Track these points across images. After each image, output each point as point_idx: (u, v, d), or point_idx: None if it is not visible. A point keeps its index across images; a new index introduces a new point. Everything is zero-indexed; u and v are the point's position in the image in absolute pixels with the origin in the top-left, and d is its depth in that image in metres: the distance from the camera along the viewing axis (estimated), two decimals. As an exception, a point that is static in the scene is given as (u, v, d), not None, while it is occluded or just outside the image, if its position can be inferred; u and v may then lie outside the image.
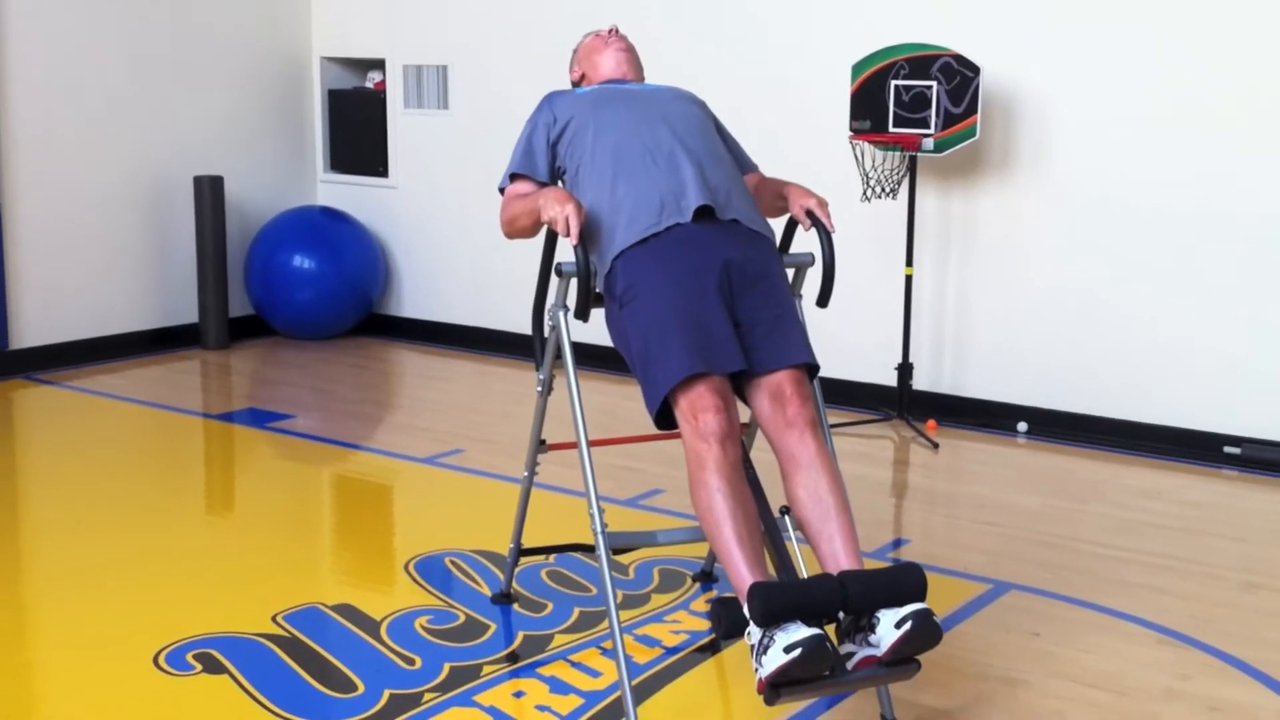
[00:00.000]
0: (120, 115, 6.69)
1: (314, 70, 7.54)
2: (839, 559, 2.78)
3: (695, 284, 2.94)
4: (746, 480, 2.91)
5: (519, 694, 3.20)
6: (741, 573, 2.70)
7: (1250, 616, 3.75)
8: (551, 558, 4.02)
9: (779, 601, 2.54)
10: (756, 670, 2.56)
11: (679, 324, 2.89)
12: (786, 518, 2.90)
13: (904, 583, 2.61)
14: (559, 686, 3.23)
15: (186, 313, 7.04)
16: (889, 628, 2.56)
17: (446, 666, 3.33)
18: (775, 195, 3.31)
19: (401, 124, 7.30)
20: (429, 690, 3.20)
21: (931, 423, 5.64)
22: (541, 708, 3.12)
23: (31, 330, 6.43)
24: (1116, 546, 4.28)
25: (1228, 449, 5.21)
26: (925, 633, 2.56)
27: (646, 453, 4.82)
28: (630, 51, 3.48)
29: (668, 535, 3.28)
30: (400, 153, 7.33)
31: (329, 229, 7.16)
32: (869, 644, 2.61)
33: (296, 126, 7.53)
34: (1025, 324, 5.61)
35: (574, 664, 3.35)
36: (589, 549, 3.33)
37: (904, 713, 3.10)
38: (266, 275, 7.04)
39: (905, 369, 5.62)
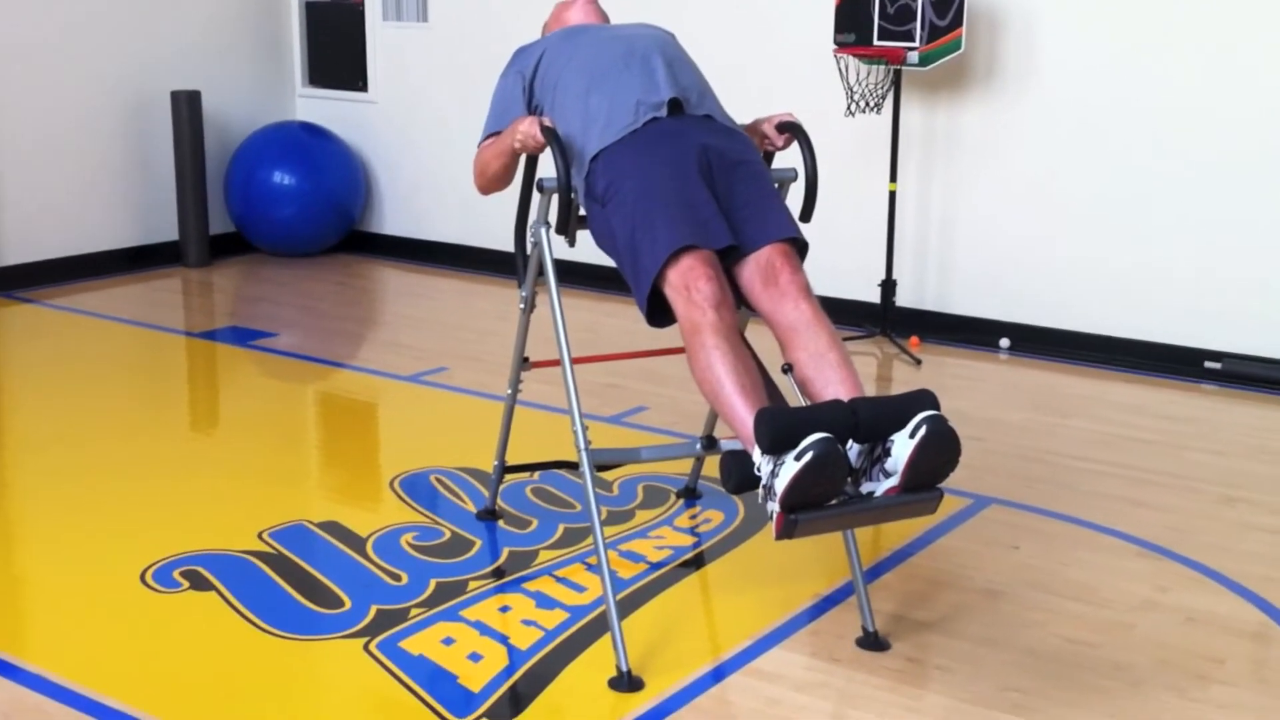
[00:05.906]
0: (95, 29, 6.58)
1: (291, -17, 7.43)
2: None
3: (676, 168, 2.94)
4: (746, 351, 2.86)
5: (505, 609, 3.23)
6: (747, 422, 2.62)
7: (1228, 529, 3.79)
8: (536, 475, 4.04)
9: (788, 423, 2.45)
10: (770, 510, 2.48)
11: (664, 204, 2.88)
12: (789, 376, 2.86)
13: (916, 404, 2.52)
14: (544, 601, 3.26)
15: (167, 230, 6.98)
16: (904, 443, 2.48)
17: (433, 582, 3.35)
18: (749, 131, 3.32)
19: (381, 37, 7.20)
20: (415, 606, 3.22)
21: (915, 339, 5.65)
22: (528, 622, 3.15)
23: (11, 248, 6.38)
24: (1097, 460, 4.31)
25: (1208, 364, 5.24)
26: (941, 438, 2.47)
27: (630, 370, 4.83)
28: (597, 4, 3.52)
29: (651, 452, 3.30)
30: (380, 67, 7.24)
31: (309, 145, 7.09)
32: (885, 474, 2.53)
33: (274, 40, 7.42)
34: (1009, 240, 5.60)
35: (559, 579, 3.38)
36: (573, 466, 3.34)
37: (886, 625, 3.14)
38: (247, 192, 6.97)
39: (888, 285, 5.61)
